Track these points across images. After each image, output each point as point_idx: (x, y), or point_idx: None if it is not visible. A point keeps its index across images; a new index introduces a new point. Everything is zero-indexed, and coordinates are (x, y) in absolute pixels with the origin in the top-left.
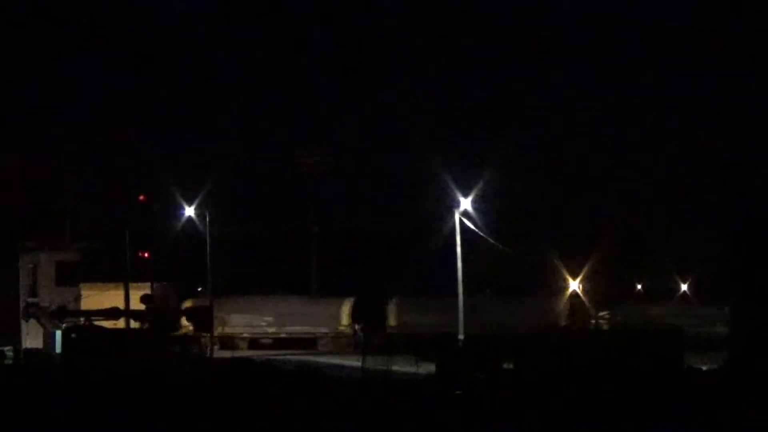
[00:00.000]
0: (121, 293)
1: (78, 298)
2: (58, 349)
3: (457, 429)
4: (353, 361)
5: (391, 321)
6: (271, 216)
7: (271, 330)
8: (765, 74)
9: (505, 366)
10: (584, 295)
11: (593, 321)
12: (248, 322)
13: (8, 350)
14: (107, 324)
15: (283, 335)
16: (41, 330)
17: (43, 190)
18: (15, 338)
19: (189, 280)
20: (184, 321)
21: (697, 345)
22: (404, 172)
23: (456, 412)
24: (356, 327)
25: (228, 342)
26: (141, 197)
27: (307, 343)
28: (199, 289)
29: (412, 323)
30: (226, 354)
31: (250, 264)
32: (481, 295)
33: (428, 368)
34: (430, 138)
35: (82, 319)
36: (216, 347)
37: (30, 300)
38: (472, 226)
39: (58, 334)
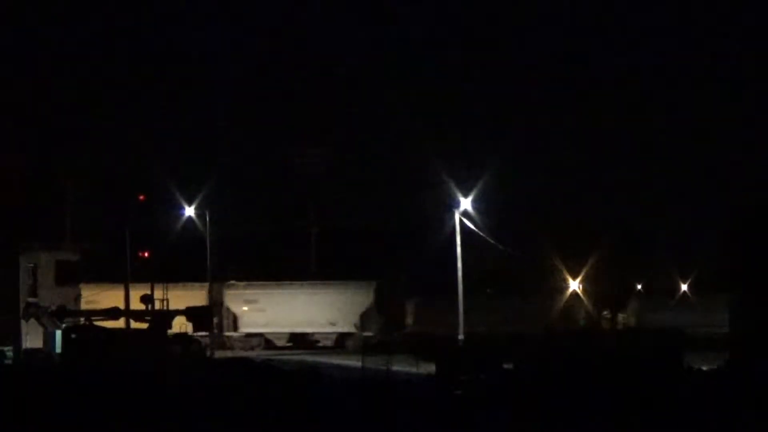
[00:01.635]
0: (121, 293)
1: (78, 298)
2: (58, 349)
3: (457, 429)
4: (353, 361)
5: (631, 319)
6: (271, 216)
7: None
8: (764, 74)
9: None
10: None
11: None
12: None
13: (8, 350)
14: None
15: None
16: (41, 330)
17: (43, 190)
18: (15, 338)
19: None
20: (182, 320)
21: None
22: (404, 172)
23: (456, 412)
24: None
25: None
26: (141, 197)
27: None
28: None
29: (650, 321)
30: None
31: (249, 264)
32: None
33: (428, 368)
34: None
35: (82, 319)
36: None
37: (30, 300)
38: (472, 226)
39: (58, 334)
